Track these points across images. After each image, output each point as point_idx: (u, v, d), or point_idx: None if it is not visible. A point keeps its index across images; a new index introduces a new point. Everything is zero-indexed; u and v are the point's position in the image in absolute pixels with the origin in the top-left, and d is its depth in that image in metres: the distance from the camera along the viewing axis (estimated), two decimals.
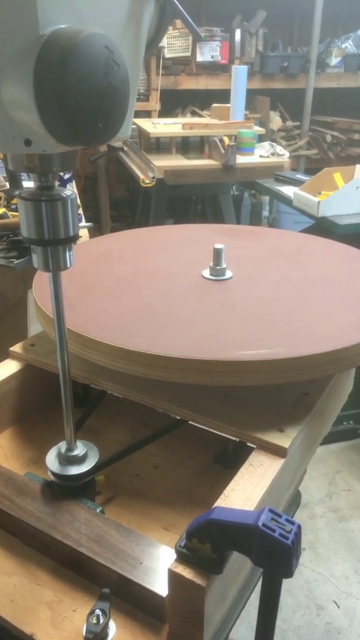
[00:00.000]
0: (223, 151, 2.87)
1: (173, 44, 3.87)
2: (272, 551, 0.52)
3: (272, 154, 3.10)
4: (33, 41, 0.47)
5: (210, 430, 0.81)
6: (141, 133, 3.26)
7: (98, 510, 0.74)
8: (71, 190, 0.63)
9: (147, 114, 3.95)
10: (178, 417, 0.84)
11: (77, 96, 0.46)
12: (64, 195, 0.60)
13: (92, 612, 0.62)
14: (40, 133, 0.49)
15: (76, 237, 0.64)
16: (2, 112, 0.50)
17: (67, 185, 1.91)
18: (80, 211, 1.90)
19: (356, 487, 2.17)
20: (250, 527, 0.53)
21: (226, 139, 2.90)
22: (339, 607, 1.72)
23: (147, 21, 0.59)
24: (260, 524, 0.52)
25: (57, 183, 0.61)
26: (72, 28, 0.47)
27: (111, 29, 0.53)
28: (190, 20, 0.59)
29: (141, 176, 2.91)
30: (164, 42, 3.82)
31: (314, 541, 1.93)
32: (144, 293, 0.97)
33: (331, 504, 2.09)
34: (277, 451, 0.74)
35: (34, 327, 1.14)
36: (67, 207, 0.61)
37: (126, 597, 0.65)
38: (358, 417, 2.36)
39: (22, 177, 1.83)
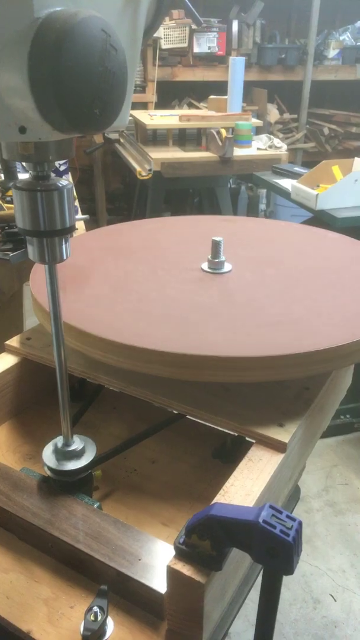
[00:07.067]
0: (220, 143, 2.85)
1: (170, 35, 3.83)
2: (272, 548, 0.51)
3: (270, 147, 3.08)
4: (28, 24, 0.45)
5: (209, 424, 0.80)
6: (138, 125, 3.23)
7: (95, 505, 0.73)
8: (67, 180, 0.62)
9: (143, 106, 3.91)
10: (176, 412, 0.83)
11: (73, 81, 0.44)
12: (60, 185, 0.59)
13: (89, 609, 0.61)
14: (36, 120, 0.48)
15: (73, 228, 0.62)
16: None
17: (63, 177, 1.89)
18: (77, 203, 1.88)
19: (353, 480, 2.18)
20: (250, 523, 0.52)
21: (223, 131, 2.87)
22: (335, 601, 1.72)
23: (145, 5, 0.57)
24: (260, 520, 0.52)
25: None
26: (68, 11, 0.45)
27: (108, 12, 0.51)
28: (189, 4, 0.57)
29: (138, 168, 2.88)
30: (161, 33, 3.77)
31: (311, 535, 1.93)
32: (142, 286, 0.96)
33: (328, 498, 2.09)
34: (277, 446, 0.73)
35: (30, 321, 1.12)
36: (64, 197, 0.59)
37: (124, 593, 0.64)
38: (355, 411, 2.36)
39: (18, 169, 1.80)
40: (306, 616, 1.68)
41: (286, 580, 1.76)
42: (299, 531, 0.52)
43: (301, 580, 1.78)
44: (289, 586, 1.76)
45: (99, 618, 0.60)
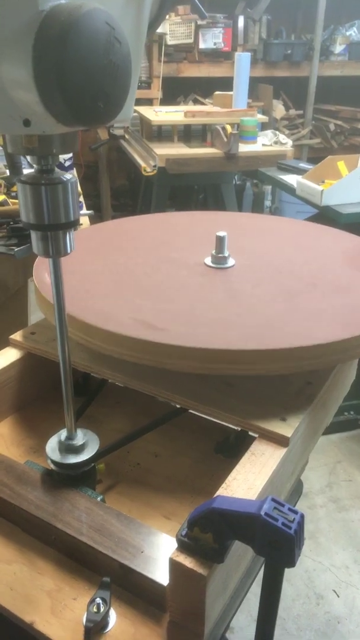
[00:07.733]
0: (225, 140, 2.84)
1: (175, 30, 3.82)
2: (274, 541, 0.52)
3: (275, 143, 3.06)
4: (32, 17, 0.45)
5: (212, 419, 0.80)
6: (143, 121, 3.22)
7: (98, 498, 0.73)
8: (71, 174, 0.62)
9: (148, 102, 3.91)
10: (179, 406, 0.83)
11: (77, 74, 0.44)
12: (64, 179, 0.59)
13: (92, 601, 0.61)
14: (40, 113, 0.48)
15: (77, 222, 0.62)
16: (0, 92, 0.49)
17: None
18: (81, 199, 1.88)
19: (356, 477, 2.17)
20: (252, 516, 0.52)
21: (229, 127, 2.86)
22: (338, 597, 1.72)
23: None
24: (262, 513, 0.52)
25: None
26: (72, 3, 0.45)
27: (112, 5, 0.51)
28: None
29: (143, 165, 2.88)
30: (166, 28, 3.76)
31: (315, 531, 1.94)
32: (146, 281, 0.96)
33: (331, 494, 2.09)
34: (279, 440, 0.73)
35: (35, 316, 1.13)
36: (68, 190, 0.59)
37: (127, 586, 0.64)
38: (359, 407, 2.35)
39: (23, 165, 1.81)
40: (309, 612, 1.68)
41: (289, 575, 1.77)
42: (300, 524, 0.52)
43: (304, 575, 1.79)
44: (292, 582, 1.76)
45: (102, 610, 0.60)
